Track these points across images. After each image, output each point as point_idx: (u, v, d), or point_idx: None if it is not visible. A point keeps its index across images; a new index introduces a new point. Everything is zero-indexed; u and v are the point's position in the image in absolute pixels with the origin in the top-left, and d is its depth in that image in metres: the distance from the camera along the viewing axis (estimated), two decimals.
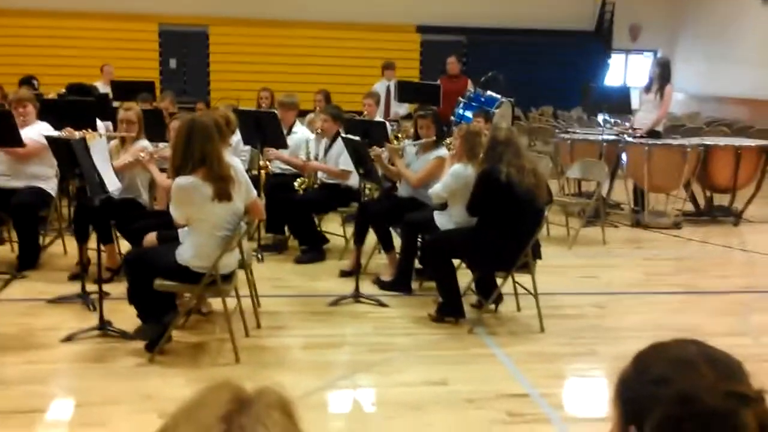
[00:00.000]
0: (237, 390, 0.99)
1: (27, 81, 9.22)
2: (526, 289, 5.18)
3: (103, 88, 10.01)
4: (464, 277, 5.44)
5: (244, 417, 0.95)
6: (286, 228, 6.91)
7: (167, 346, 4.41)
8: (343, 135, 6.17)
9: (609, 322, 5.29)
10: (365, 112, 8.22)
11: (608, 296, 5.87)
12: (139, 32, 16.11)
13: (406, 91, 9.76)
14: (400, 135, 7.91)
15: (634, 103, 9.28)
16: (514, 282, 5.27)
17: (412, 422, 3.73)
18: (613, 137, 8.90)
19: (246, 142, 6.97)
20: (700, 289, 6.19)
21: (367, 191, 6.86)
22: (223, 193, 4.19)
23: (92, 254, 5.47)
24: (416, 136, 6.19)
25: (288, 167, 7.02)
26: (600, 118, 10.90)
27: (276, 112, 7.12)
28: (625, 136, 8.83)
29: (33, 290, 5.49)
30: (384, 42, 15.98)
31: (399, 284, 5.72)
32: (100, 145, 5.01)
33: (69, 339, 4.52)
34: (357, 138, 5.84)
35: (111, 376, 4.11)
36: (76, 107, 6.71)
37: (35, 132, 5.84)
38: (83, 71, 12.72)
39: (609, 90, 10.72)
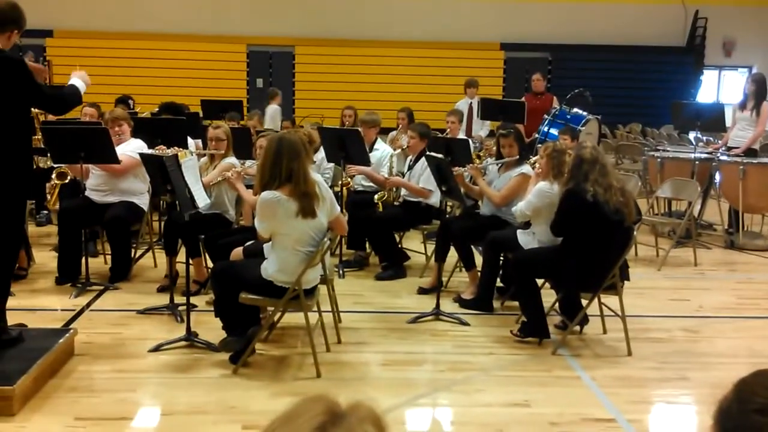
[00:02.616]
0: (332, 403, 1.02)
1: (123, 100, 9.60)
2: (612, 310, 5.04)
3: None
4: (549, 297, 5.33)
5: (338, 429, 0.97)
6: (367, 244, 6.94)
7: (251, 359, 4.48)
8: (428, 153, 6.17)
9: (700, 347, 5.08)
10: (448, 130, 8.22)
11: (699, 320, 5.65)
12: (229, 53, 16.62)
13: (489, 108, 9.69)
14: (482, 153, 7.87)
15: (728, 120, 8.96)
16: (600, 303, 5.13)
17: None
18: (705, 155, 8.60)
19: (329, 160, 7.06)
20: None
21: (449, 209, 6.84)
22: (307, 210, 4.24)
23: (181, 267, 5.63)
24: (498, 155, 6.13)
25: (370, 184, 7.07)
26: (692, 135, 10.56)
27: (359, 129, 7.20)
28: (719, 154, 8.52)
29: (124, 301, 5.69)
30: (467, 60, 15.97)
31: (480, 303, 5.66)
32: (192, 163, 5.16)
33: (157, 349, 4.65)
34: (440, 156, 5.83)
35: (196, 386, 4.20)
36: (168, 125, 6.96)
37: (130, 149, 6.07)
38: (176, 91, 13.22)
39: (702, 107, 10.37)
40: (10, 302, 4.54)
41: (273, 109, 11.73)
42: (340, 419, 0.98)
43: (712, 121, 8.79)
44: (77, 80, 4.57)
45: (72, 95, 4.49)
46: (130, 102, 9.96)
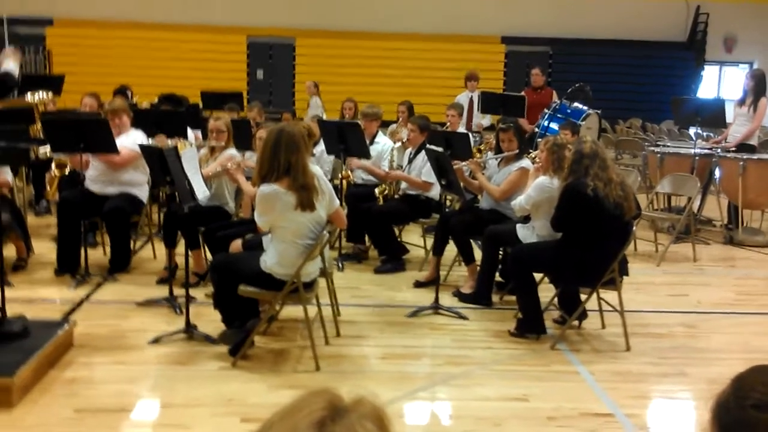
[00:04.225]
0: (333, 398, 1.00)
1: (122, 91, 9.58)
2: (611, 305, 5.04)
3: None
4: (547, 291, 5.33)
5: (338, 426, 0.95)
6: (366, 238, 6.94)
7: (249, 352, 4.48)
8: (428, 146, 6.16)
9: (699, 342, 5.09)
10: (448, 124, 8.20)
11: (698, 316, 5.65)
12: (229, 44, 16.58)
13: (489, 102, 9.68)
14: (482, 147, 7.85)
15: (729, 116, 8.95)
16: (599, 298, 5.13)
17: None
18: (705, 151, 8.60)
19: (329, 152, 7.06)
20: None
21: (448, 203, 6.83)
22: (306, 203, 4.24)
23: (180, 259, 5.63)
24: (498, 149, 6.13)
25: (370, 177, 7.06)
26: (692, 131, 10.56)
27: (359, 122, 7.19)
28: (718, 150, 8.52)
29: (123, 293, 5.68)
30: (468, 53, 15.95)
31: (479, 297, 5.66)
32: (191, 154, 5.16)
33: (156, 341, 4.65)
34: (440, 149, 5.82)
35: (195, 378, 4.20)
36: (168, 117, 6.95)
37: (130, 141, 6.06)
38: (175, 82, 13.20)
39: (702, 102, 10.35)
40: (9, 293, 4.55)
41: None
42: (340, 415, 0.97)
43: (713, 116, 8.78)
44: (9, 63, 4.58)
45: (8, 79, 4.51)
46: (129, 92, 9.94)
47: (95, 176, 6.13)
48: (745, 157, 7.99)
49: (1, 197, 6.13)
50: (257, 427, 1.00)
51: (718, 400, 1.25)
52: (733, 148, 8.32)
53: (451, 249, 6.11)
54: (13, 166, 6.54)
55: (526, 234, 5.33)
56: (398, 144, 7.18)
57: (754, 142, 8.50)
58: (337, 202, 4.68)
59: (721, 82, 18.22)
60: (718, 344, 5.05)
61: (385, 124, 7.75)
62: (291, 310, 5.08)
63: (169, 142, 6.10)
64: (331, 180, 6.36)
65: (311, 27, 16.59)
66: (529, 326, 4.99)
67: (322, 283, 4.85)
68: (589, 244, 4.70)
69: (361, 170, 7.08)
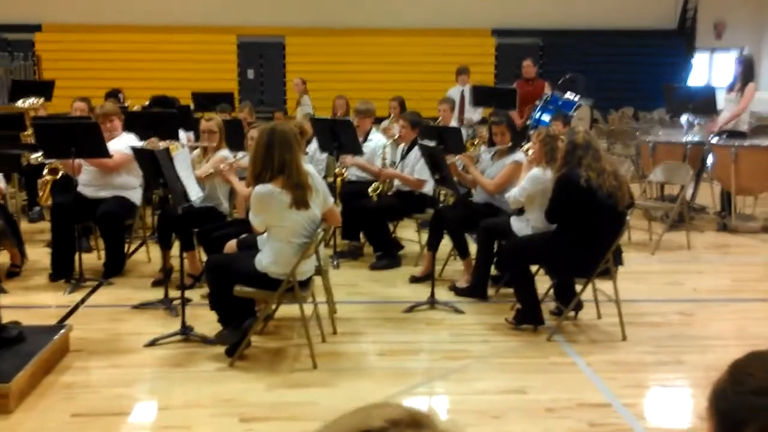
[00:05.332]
0: (414, 411, 0.97)
1: (113, 94, 9.57)
2: (607, 295, 5.05)
3: None
4: (543, 283, 5.34)
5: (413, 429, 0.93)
6: (361, 235, 6.94)
7: (246, 351, 4.48)
8: (420, 142, 6.16)
9: (695, 330, 5.10)
10: (440, 118, 8.20)
11: (694, 303, 5.67)
12: (219, 44, 16.52)
13: (481, 95, 9.67)
14: (476, 141, 7.85)
15: (720, 103, 8.96)
16: (595, 289, 5.14)
17: (491, 431, 3.67)
18: (697, 139, 8.61)
19: (322, 150, 7.05)
20: None
21: (442, 197, 6.83)
22: (300, 201, 4.23)
23: (175, 261, 5.62)
24: (491, 142, 6.13)
25: (363, 174, 7.05)
26: (684, 118, 10.57)
27: (351, 119, 7.17)
28: (711, 137, 8.53)
29: (118, 296, 5.67)
30: (458, 47, 15.91)
31: (475, 291, 5.66)
32: (183, 156, 5.15)
33: (152, 344, 4.64)
34: (433, 144, 5.81)
35: (192, 380, 4.20)
36: (159, 118, 6.93)
37: (122, 144, 6.04)
38: (166, 83, 13.15)
39: (693, 90, 10.36)
40: (4, 300, 4.53)
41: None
42: (418, 424, 0.94)
43: (704, 103, 8.78)
44: None
45: None
46: (120, 96, 9.92)
47: (88, 180, 6.11)
48: (736, 143, 8.01)
49: None
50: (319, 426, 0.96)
51: (715, 387, 1.24)
52: (724, 135, 8.31)
53: (446, 243, 6.12)
54: (4, 172, 6.52)
55: (520, 226, 5.33)
56: (390, 140, 7.17)
57: (744, 128, 8.51)
58: (332, 199, 4.68)
59: (711, 69, 18.23)
60: (714, 331, 5.06)
61: (377, 121, 7.74)
62: (287, 309, 5.07)
63: (161, 145, 6.08)
64: (324, 177, 6.35)
65: (301, 25, 16.54)
66: (527, 317, 4.99)
67: (317, 281, 4.85)
68: (584, 235, 4.70)
69: (354, 167, 7.07)
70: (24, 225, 7.31)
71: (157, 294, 5.46)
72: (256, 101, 14.52)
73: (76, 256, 5.91)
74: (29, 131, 7.67)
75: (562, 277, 5.16)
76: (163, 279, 5.59)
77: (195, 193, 4.98)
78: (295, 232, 4.31)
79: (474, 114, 10.27)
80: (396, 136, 7.02)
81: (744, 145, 8.02)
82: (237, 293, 4.36)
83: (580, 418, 3.76)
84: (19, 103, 8.51)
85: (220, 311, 4.53)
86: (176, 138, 6.71)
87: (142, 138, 6.27)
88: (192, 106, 9.96)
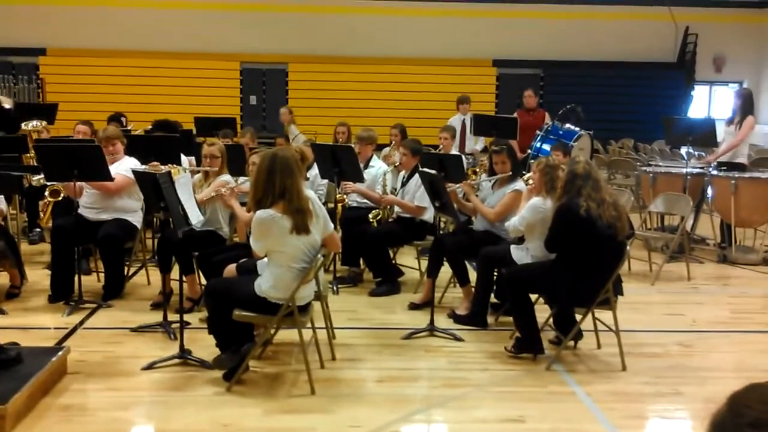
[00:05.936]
0: None
1: (116, 118, 9.61)
2: (606, 325, 5.04)
3: None
4: (543, 312, 5.33)
5: None
6: (361, 261, 6.94)
7: (244, 376, 4.46)
8: (421, 170, 6.18)
9: (694, 361, 5.08)
10: (441, 146, 8.24)
11: (693, 335, 5.65)
12: (223, 71, 16.67)
13: (482, 124, 9.73)
14: (477, 169, 7.88)
15: (720, 135, 9.02)
16: (594, 318, 5.13)
17: None
18: (698, 170, 8.65)
19: (323, 176, 7.07)
20: None
21: (442, 225, 6.83)
22: (301, 226, 4.24)
23: (174, 285, 5.61)
24: (491, 171, 6.15)
25: (364, 201, 7.07)
26: (683, 150, 10.62)
27: (352, 146, 7.21)
28: (709, 168, 8.57)
29: (117, 319, 5.66)
30: (460, 76, 16.05)
31: (474, 318, 5.65)
32: (185, 180, 5.17)
33: (150, 367, 4.62)
34: (433, 171, 5.84)
35: (190, 404, 4.18)
36: (161, 143, 6.96)
37: (124, 168, 6.06)
38: (169, 108, 13.24)
39: (693, 122, 10.42)
40: (3, 321, 4.52)
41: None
42: None
43: (704, 136, 8.83)
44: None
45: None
46: (123, 120, 9.97)
47: (89, 203, 6.13)
48: (736, 175, 8.04)
49: None
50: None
51: (714, 419, 1.24)
52: (723, 167, 8.34)
53: (445, 271, 6.12)
54: (5, 193, 6.53)
55: (520, 255, 5.34)
56: (391, 167, 7.20)
57: (743, 160, 8.54)
58: (332, 225, 4.68)
59: (711, 102, 18.36)
60: (713, 363, 5.05)
61: (378, 148, 7.78)
62: (286, 334, 5.06)
63: (163, 169, 6.11)
64: (325, 203, 6.36)
65: (303, 53, 16.70)
66: (527, 345, 4.98)
67: (316, 306, 4.84)
68: (583, 265, 4.70)
69: (355, 193, 7.09)
70: (24, 246, 7.32)
71: (156, 317, 5.45)
72: (258, 127, 14.60)
73: (76, 278, 5.91)
74: (31, 153, 7.71)
75: (562, 307, 5.15)
76: (163, 302, 5.58)
77: (195, 217, 4.99)
78: (295, 257, 4.31)
79: (477, 144, 10.33)
80: (397, 164, 7.05)
81: (744, 177, 8.05)
82: (236, 317, 4.35)
83: None
84: (23, 126, 8.56)
85: (219, 335, 4.51)
86: (178, 162, 6.74)
87: (144, 162, 6.31)
88: (194, 131, 10.01)
